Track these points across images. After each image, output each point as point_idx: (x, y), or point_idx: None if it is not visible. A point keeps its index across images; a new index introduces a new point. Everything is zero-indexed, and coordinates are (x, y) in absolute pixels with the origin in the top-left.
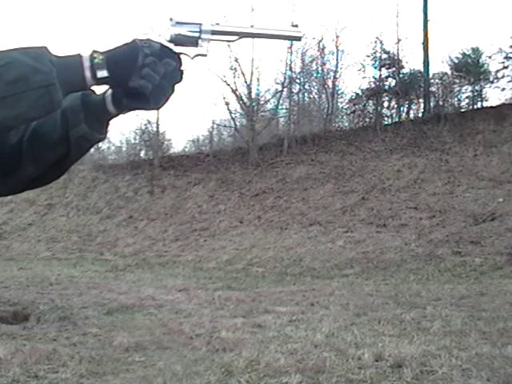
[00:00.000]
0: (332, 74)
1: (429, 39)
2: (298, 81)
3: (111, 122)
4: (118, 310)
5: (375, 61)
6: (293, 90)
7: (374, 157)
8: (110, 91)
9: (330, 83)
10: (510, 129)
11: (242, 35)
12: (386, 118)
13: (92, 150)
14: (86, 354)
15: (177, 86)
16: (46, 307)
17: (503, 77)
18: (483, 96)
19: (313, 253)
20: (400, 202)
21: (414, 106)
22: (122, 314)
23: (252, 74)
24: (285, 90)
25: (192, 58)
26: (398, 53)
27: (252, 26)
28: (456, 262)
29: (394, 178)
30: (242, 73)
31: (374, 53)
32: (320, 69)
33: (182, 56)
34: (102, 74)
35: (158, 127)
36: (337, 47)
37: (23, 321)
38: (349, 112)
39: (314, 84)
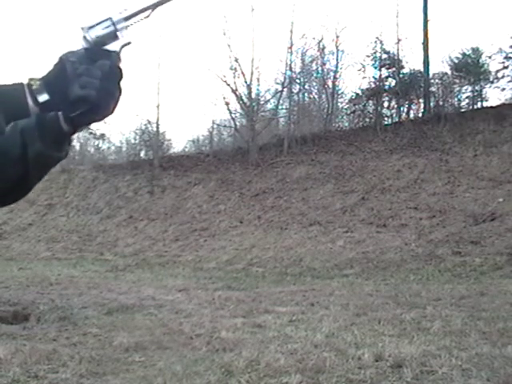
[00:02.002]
0: (332, 74)
1: (429, 39)
2: (297, 81)
3: (71, 140)
4: (118, 309)
5: (375, 61)
6: (293, 90)
7: (374, 157)
8: None
9: (330, 83)
10: (509, 129)
11: (152, 7)
12: (386, 118)
13: (92, 150)
14: (86, 354)
15: (122, 84)
16: (46, 307)
17: (503, 77)
18: (483, 96)
19: (313, 253)
20: (400, 202)
21: (414, 106)
22: (122, 314)
23: (252, 73)
24: (285, 90)
25: (120, 51)
26: (398, 53)
27: None
28: (456, 262)
29: (393, 178)
30: (242, 73)
31: (374, 53)
32: (320, 69)
33: (111, 52)
34: (43, 97)
35: (158, 127)
36: (337, 47)
37: (23, 321)
38: (349, 112)
39: (314, 84)
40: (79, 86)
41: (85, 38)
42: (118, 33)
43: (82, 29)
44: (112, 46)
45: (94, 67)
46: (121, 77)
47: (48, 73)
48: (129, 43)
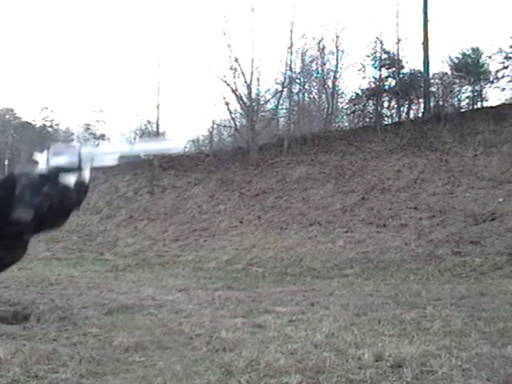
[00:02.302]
0: (332, 73)
1: (429, 39)
2: (297, 81)
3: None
4: (117, 310)
5: (375, 61)
6: (293, 90)
7: (374, 157)
8: None
9: (330, 83)
10: (510, 129)
11: (121, 154)
12: (386, 118)
13: None
14: (86, 354)
15: (71, 210)
16: (46, 307)
17: (503, 77)
18: (483, 96)
19: (313, 253)
20: (400, 202)
21: (414, 106)
22: (122, 314)
23: (252, 73)
24: (285, 90)
25: (75, 185)
26: (398, 53)
27: (132, 144)
28: (456, 262)
29: (394, 178)
30: (242, 73)
31: (374, 53)
32: (320, 69)
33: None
34: None
35: (157, 127)
36: (337, 47)
37: (23, 321)
38: (349, 112)
39: (314, 84)
40: (21, 208)
41: (47, 161)
42: (81, 164)
43: (49, 150)
44: (67, 178)
45: (38, 194)
46: (70, 206)
47: None
48: (82, 183)
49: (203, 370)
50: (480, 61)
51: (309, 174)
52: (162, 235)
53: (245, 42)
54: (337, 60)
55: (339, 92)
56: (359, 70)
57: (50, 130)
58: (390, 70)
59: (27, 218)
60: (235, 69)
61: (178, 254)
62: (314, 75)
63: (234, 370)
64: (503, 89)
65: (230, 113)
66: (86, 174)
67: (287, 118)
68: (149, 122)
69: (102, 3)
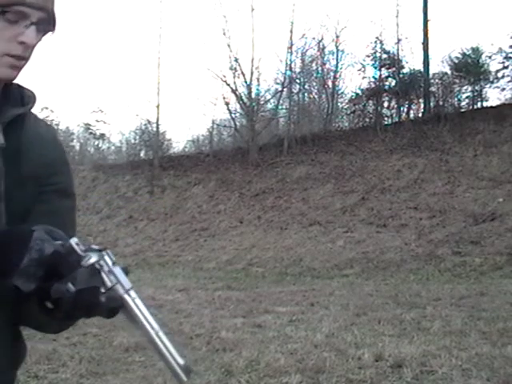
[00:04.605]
0: (332, 74)
1: (429, 39)
2: (298, 81)
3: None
4: None
5: (375, 61)
6: (293, 89)
7: (374, 157)
8: None
9: (330, 83)
10: (510, 129)
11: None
12: (386, 118)
13: (92, 150)
14: (86, 354)
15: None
16: None
17: (503, 77)
18: (483, 96)
19: (313, 253)
20: (400, 202)
21: (414, 106)
22: (122, 314)
23: (252, 73)
24: (285, 90)
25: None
26: (398, 53)
27: (157, 333)
28: (456, 262)
29: (394, 178)
30: (242, 73)
31: (374, 53)
32: (320, 69)
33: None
34: None
35: (157, 127)
36: (337, 47)
37: None
38: (349, 112)
39: (314, 84)
40: (26, 275)
41: (74, 246)
42: (100, 272)
43: (77, 244)
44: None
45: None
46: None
47: (1, 237)
48: (105, 309)
49: (203, 370)
50: (480, 61)
51: (309, 173)
52: (162, 235)
53: (245, 42)
54: (337, 60)
55: (339, 92)
56: (359, 70)
57: None
58: (389, 70)
59: (28, 287)
60: (235, 69)
61: (177, 254)
62: (314, 75)
63: (233, 370)
64: (503, 89)
65: (230, 113)
66: (108, 282)
67: (287, 118)
68: (149, 121)
69: (102, 3)
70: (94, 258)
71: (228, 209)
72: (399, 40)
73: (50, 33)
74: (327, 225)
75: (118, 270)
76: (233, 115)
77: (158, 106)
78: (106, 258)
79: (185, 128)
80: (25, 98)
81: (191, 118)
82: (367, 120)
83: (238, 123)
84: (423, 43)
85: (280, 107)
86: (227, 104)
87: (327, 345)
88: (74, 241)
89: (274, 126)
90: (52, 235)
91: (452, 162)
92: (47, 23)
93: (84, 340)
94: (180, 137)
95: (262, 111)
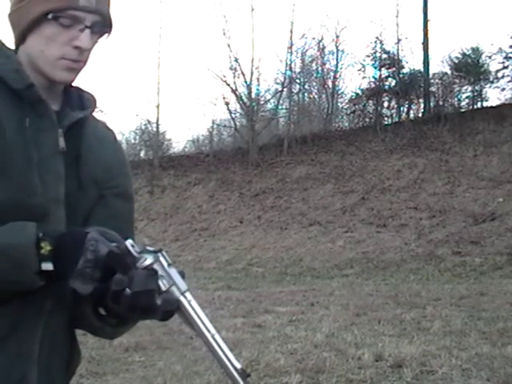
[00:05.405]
0: (332, 74)
1: (429, 39)
2: (298, 81)
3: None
4: None
5: (375, 61)
6: (293, 89)
7: (374, 157)
8: None
9: (330, 83)
10: (510, 129)
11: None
12: (386, 118)
13: None
14: (86, 354)
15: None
16: None
17: (503, 77)
18: (483, 96)
19: (313, 253)
20: (400, 202)
21: (414, 106)
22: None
23: (252, 73)
24: (285, 90)
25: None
26: (398, 53)
27: (213, 336)
28: (456, 262)
29: (394, 178)
30: (242, 73)
31: (374, 53)
32: (320, 69)
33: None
34: (47, 266)
35: (157, 127)
36: (337, 47)
37: None
38: (349, 112)
39: (314, 84)
40: (83, 276)
41: (129, 247)
42: (160, 280)
43: (133, 246)
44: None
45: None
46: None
47: (61, 241)
48: (159, 306)
49: (203, 370)
50: (480, 61)
51: (309, 173)
52: (162, 235)
53: (245, 42)
54: (337, 60)
55: (339, 92)
56: (359, 70)
57: None
58: (389, 70)
59: (85, 290)
60: (235, 69)
61: (178, 254)
62: (314, 75)
63: None
64: (503, 89)
65: (230, 113)
66: (163, 286)
67: (287, 118)
68: (149, 121)
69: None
70: (149, 260)
71: (228, 209)
72: (399, 40)
73: (106, 34)
74: (327, 225)
75: (173, 272)
76: (233, 115)
77: (158, 106)
78: (162, 259)
79: (185, 128)
80: (84, 101)
81: (191, 118)
82: (367, 120)
83: (238, 123)
84: (423, 43)
85: (280, 107)
86: (227, 104)
87: (327, 345)
88: (129, 242)
89: (274, 125)
90: (106, 236)
91: (452, 162)
92: (102, 25)
93: (84, 340)
94: (180, 137)
95: (261, 111)
